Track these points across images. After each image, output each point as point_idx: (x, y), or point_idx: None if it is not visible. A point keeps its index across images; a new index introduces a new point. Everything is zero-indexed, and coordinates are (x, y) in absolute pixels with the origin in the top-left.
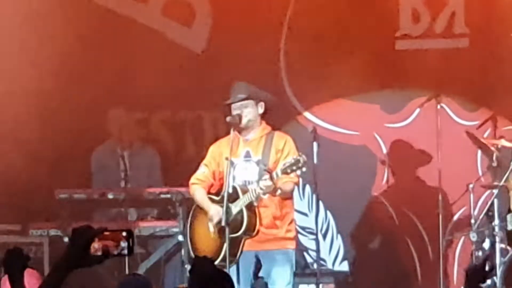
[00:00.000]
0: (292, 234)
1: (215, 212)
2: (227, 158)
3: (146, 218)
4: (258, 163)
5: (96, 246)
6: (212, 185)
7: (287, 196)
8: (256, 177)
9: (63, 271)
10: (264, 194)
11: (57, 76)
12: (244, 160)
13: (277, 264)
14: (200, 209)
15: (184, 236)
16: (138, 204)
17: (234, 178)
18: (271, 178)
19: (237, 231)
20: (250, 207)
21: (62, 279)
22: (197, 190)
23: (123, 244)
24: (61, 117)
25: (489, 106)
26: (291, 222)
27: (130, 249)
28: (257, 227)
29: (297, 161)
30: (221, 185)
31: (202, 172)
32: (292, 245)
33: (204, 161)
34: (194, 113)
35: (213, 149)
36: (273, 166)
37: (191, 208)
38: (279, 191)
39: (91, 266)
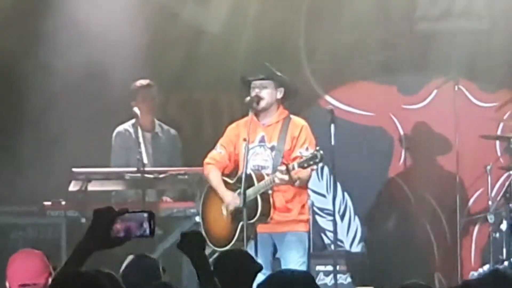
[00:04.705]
0: (304, 217)
1: (232, 199)
2: (245, 139)
3: (163, 199)
4: (272, 149)
5: (118, 227)
6: (226, 167)
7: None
8: (269, 164)
9: (85, 253)
10: (279, 185)
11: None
12: (259, 145)
13: (290, 246)
14: (213, 190)
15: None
16: (155, 185)
17: (247, 162)
18: (288, 170)
19: (252, 218)
20: (264, 194)
21: (84, 260)
22: (212, 172)
23: (145, 225)
24: None
25: (508, 88)
26: (303, 205)
27: (152, 230)
28: (271, 214)
29: (315, 156)
30: (235, 167)
31: (219, 153)
32: (303, 228)
33: (221, 142)
34: (211, 94)
35: (230, 130)
36: (288, 153)
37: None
38: (297, 182)
39: (112, 247)
